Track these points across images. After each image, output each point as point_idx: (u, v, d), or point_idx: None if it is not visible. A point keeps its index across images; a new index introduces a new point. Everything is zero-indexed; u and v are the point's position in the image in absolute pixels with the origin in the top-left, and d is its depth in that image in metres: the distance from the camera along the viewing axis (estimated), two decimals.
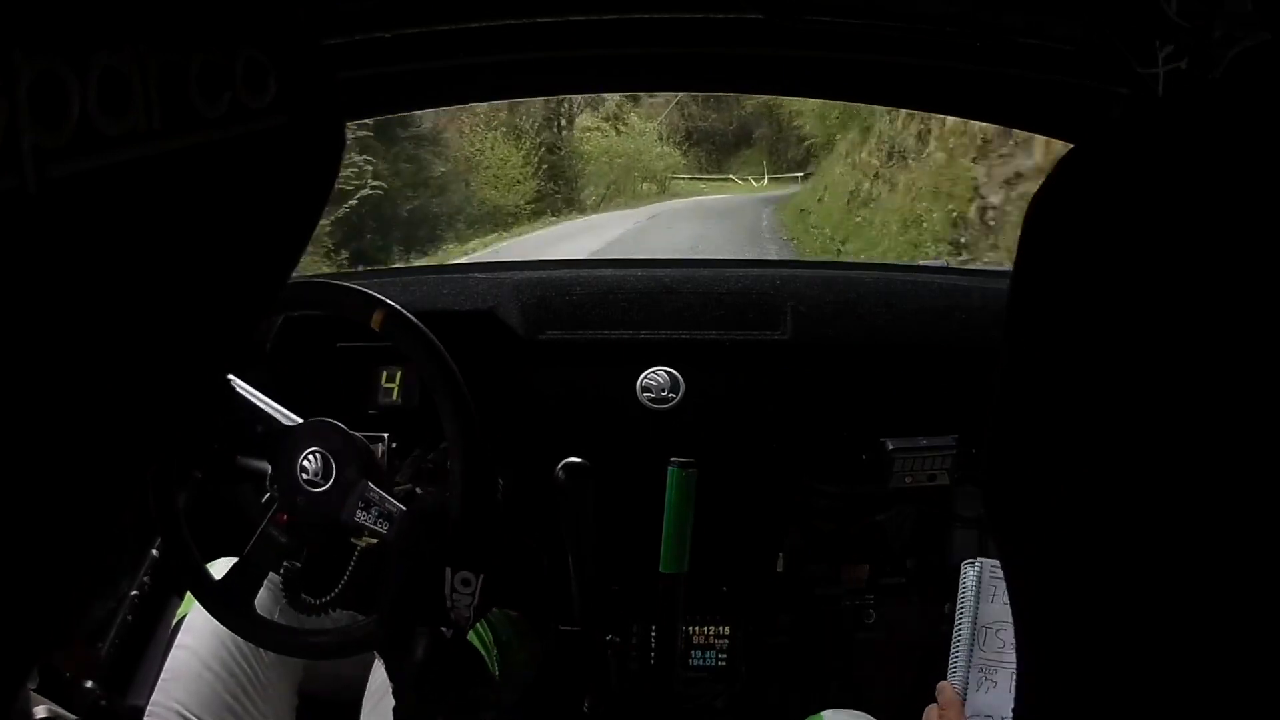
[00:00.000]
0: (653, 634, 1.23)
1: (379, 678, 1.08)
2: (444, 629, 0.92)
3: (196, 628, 1.07)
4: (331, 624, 1.05)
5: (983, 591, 0.91)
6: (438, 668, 0.89)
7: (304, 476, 1.00)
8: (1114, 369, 0.28)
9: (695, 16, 0.91)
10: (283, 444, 1.02)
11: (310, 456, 1.01)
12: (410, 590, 0.93)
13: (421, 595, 0.92)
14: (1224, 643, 0.27)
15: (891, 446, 1.27)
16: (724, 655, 1.41)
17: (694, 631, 1.40)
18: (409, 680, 0.88)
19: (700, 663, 1.41)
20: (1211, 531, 0.26)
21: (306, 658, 1.07)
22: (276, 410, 1.08)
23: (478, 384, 1.02)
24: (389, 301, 1.01)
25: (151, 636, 1.38)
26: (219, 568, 1.15)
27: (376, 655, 1.15)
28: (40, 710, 0.77)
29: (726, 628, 1.40)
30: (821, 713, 1.00)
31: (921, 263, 2.04)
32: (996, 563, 0.92)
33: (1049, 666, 0.32)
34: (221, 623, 1.03)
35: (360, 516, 1.00)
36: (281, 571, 1.04)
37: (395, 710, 0.85)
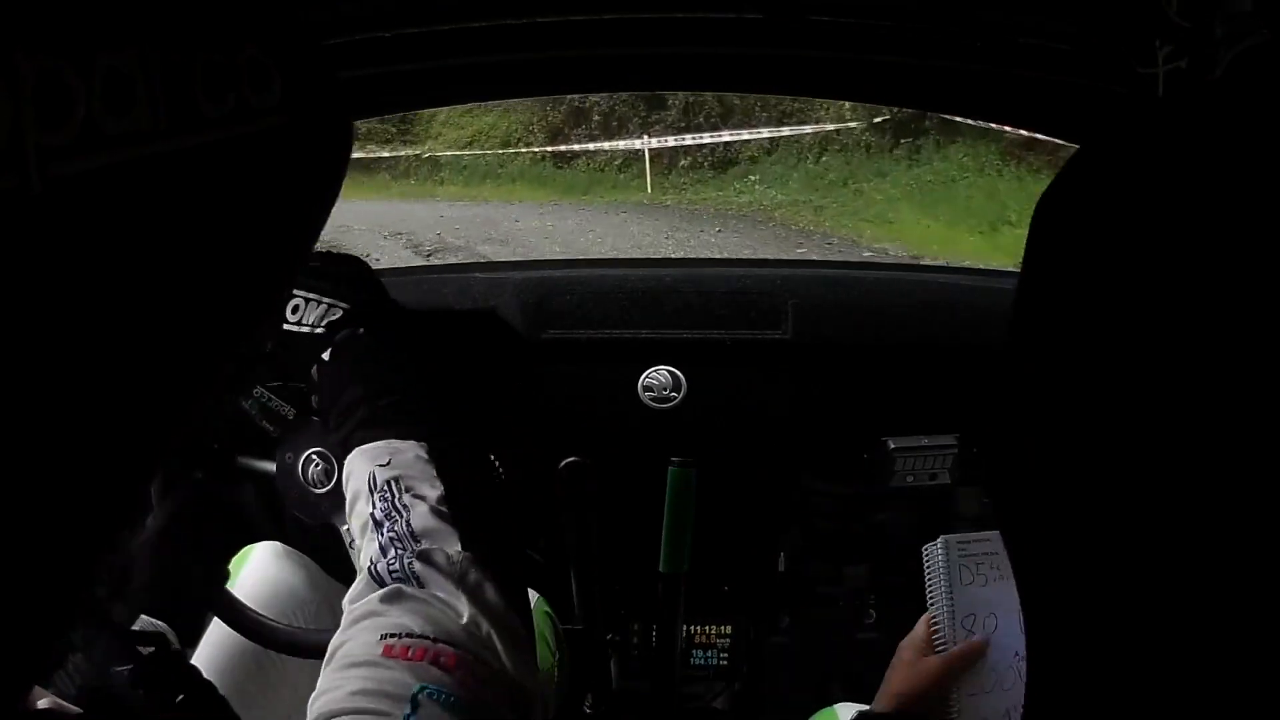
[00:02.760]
0: (653, 634, 1.23)
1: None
2: None
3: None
4: None
5: (951, 575, 0.84)
6: None
7: (307, 475, 0.99)
8: (1120, 367, 0.28)
9: (695, 16, 0.91)
10: (282, 445, 1.00)
11: (311, 458, 1.00)
12: None
13: None
14: (1230, 638, 0.27)
15: (893, 446, 1.27)
16: (725, 655, 1.41)
17: (694, 631, 1.40)
18: None
19: (701, 662, 1.41)
20: (1218, 527, 0.26)
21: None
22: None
23: (479, 383, 1.02)
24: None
25: None
26: (253, 559, 1.13)
27: None
28: (42, 702, 0.77)
29: (727, 627, 1.40)
30: (834, 706, 0.99)
31: (922, 262, 2.04)
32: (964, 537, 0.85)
33: (1059, 659, 0.32)
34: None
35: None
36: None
37: None
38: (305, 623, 1.05)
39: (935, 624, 0.84)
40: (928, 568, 0.86)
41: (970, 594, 0.83)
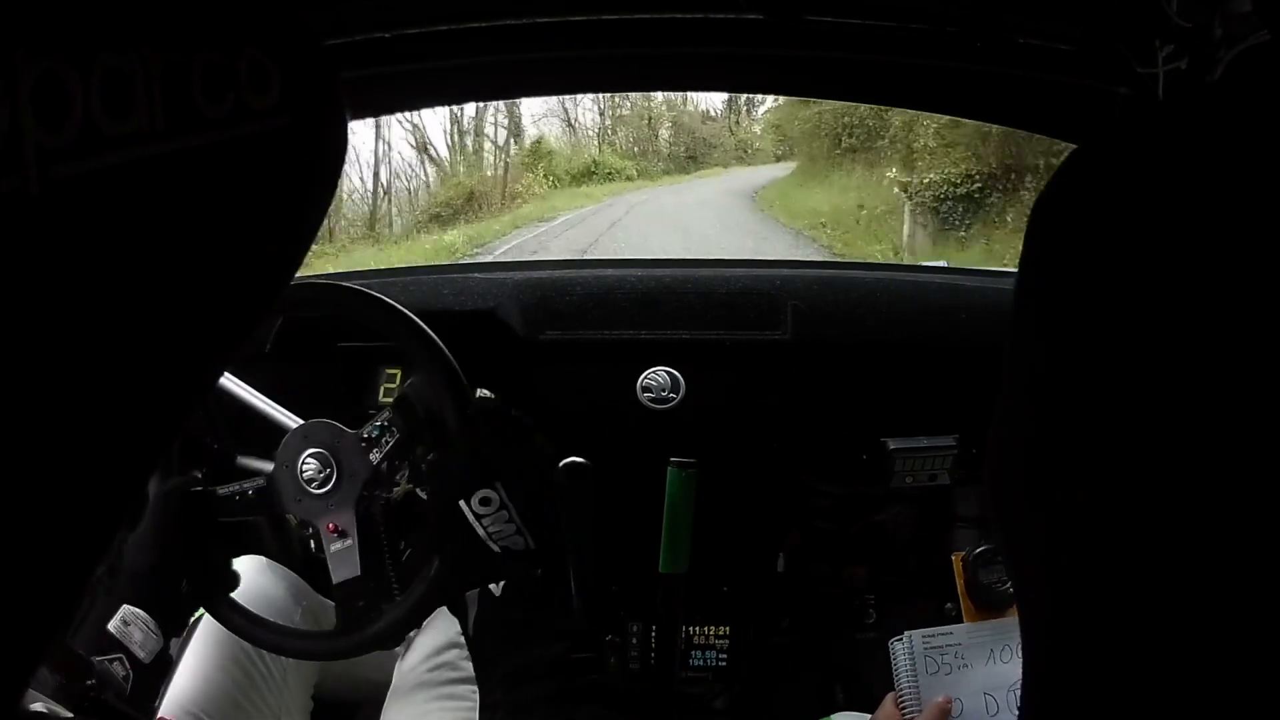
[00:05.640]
0: (653, 634, 1.23)
1: (404, 676, 1.07)
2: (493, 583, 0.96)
3: (213, 627, 1.07)
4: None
5: (918, 665, 0.89)
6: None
7: (305, 476, 1.00)
8: (1120, 368, 0.28)
9: (695, 16, 0.91)
10: (280, 448, 1.01)
11: (309, 460, 1.00)
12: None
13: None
14: (1231, 642, 0.27)
15: (892, 446, 1.27)
16: (724, 655, 1.41)
17: (694, 631, 1.40)
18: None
19: (700, 663, 1.41)
20: (1218, 531, 0.26)
21: (345, 658, 1.04)
22: (276, 410, 1.08)
23: (478, 384, 1.02)
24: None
25: None
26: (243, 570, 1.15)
27: (400, 652, 1.14)
28: (36, 705, 0.77)
29: (727, 628, 1.40)
30: (831, 716, 1.00)
31: (922, 263, 2.04)
32: (929, 631, 0.91)
33: (1055, 665, 0.32)
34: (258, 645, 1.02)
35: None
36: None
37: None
38: None
39: (903, 703, 0.88)
40: (894, 661, 0.90)
41: (935, 681, 0.88)
